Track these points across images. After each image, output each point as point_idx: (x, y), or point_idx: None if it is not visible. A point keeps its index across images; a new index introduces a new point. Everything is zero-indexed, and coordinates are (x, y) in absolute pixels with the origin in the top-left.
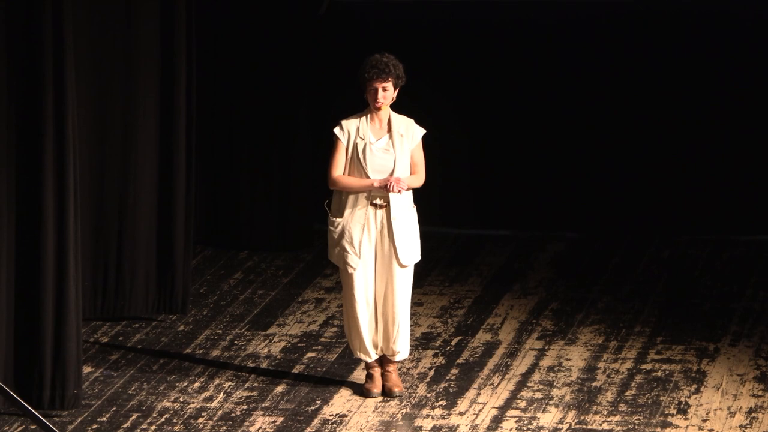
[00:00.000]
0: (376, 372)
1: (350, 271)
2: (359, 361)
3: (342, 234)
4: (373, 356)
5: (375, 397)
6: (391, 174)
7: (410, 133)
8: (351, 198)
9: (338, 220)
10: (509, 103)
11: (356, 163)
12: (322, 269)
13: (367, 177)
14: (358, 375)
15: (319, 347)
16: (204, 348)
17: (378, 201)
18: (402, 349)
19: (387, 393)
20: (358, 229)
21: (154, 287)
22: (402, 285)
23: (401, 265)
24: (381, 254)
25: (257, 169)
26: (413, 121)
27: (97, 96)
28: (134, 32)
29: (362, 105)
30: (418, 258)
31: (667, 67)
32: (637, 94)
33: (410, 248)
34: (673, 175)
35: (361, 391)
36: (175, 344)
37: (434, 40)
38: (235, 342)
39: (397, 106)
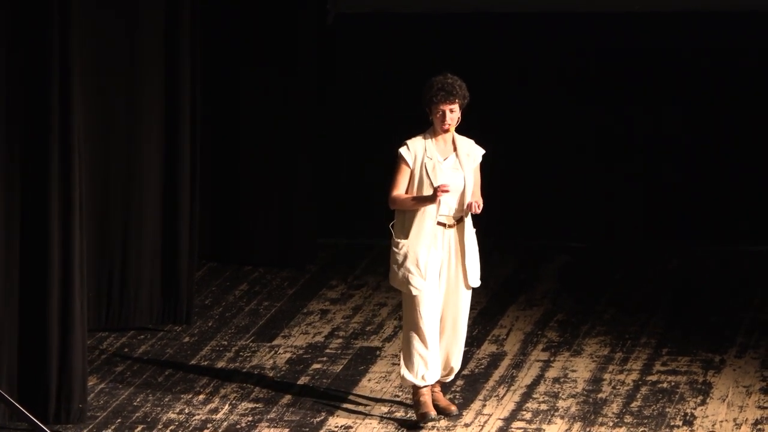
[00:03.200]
0: (427, 395)
1: (415, 292)
2: (364, 372)
3: (407, 255)
4: (433, 380)
5: (433, 419)
6: (462, 191)
7: (473, 152)
8: (417, 219)
9: (403, 241)
10: (514, 112)
11: (424, 183)
12: (328, 281)
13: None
14: (364, 386)
15: (325, 359)
16: (209, 359)
17: (445, 221)
18: (458, 368)
19: (446, 413)
20: (424, 251)
21: (159, 297)
22: (466, 307)
23: (469, 287)
24: (447, 276)
25: (261, 183)
26: (473, 141)
27: (101, 104)
28: (138, 46)
29: (364, 118)
30: (479, 281)
31: (674, 73)
32: (643, 101)
33: (477, 269)
34: (681, 185)
35: (415, 419)
36: (181, 355)
37: (438, 52)
38: (241, 353)
39: (404, 117)
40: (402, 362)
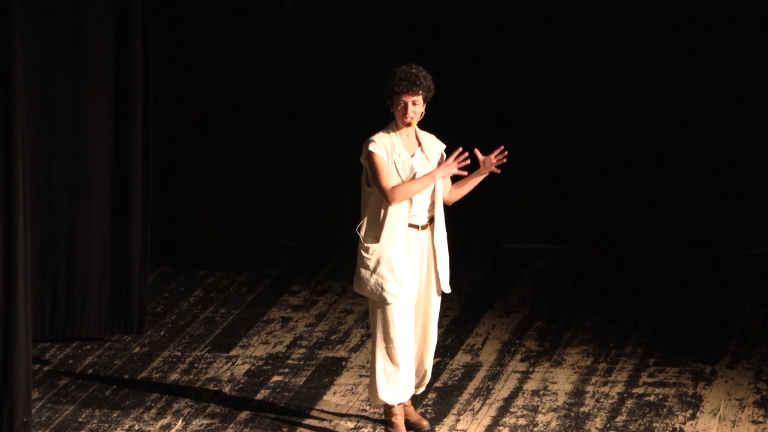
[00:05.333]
0: (400, 416)
1: (391, 300)
2: (329, 384)
3: (379, 261)
4: (408, 397)
5: None
6: (434, 191)
7: (437, 147)
8: (388, 221)
9: (373, 245)
10: (491, 111)
11: (395, 180)
12: (289, 286)
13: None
14: (328, 399)
15: (286, 370)
16: (161, 371)
17: (417, 222)
18: (429, 376)
19: (417, 428)
20: (398, 255)
21: (108, 305)
22: (437, 313)
23: (441, 293)
24: (419, 281)
25: (216, 181)
26: (434, 136)
27: (44, 102)
28: (85, 41)
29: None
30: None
31: (658, 76)
32: (629, 104)
33: (448, 274)
34: (667, 186)
35: None
36: (130, 367)
37: (404, 34)
38: (195, 365)
39: (370, 111)
40: (373, 379)
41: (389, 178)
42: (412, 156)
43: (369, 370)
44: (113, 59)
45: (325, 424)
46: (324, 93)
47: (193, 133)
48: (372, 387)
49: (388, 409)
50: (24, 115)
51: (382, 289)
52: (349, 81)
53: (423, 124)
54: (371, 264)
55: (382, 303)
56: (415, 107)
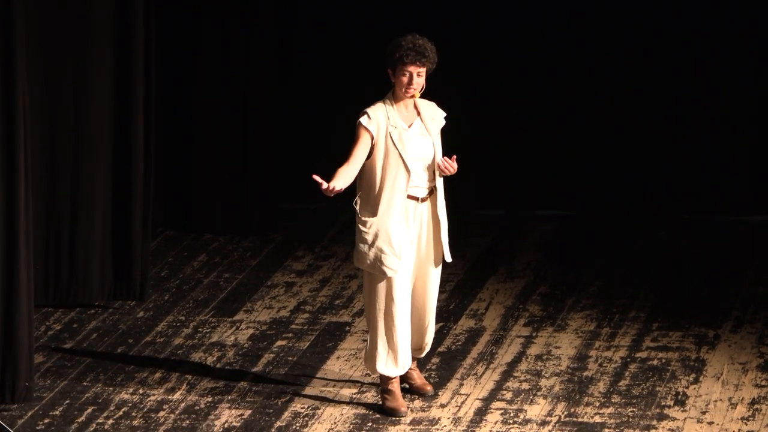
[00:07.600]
0: (397, 384)
1: (390, 273)
2: (333, 349)
3: (377, 234)
4: (405, 369)
5: (403, 415)
6: (433, 159)
7: (437, 116)
8: (386, 194)
9: (371, 219)
10: (494, 79)
11: (391, 153)
12: (293, 251)
13: (405, 166)
14: (332, 364)
15: (290, 335)
16: (165, 336)
17: (417, 194)
18: (431, 342)
19: (421, 393)
20: (396, 228)
21: (110, 271)
22: (437, 284)
23: (441, 263)
24: (418, 253)
25: (218, 144)
26: (435, 103)
27: (48, 67)
28: (87, 8)
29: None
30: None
31: (659, 41)
32: (630, 67)
33: (447, 242)
34: (670, 150)
35: (384, 411)
36: (134, 332)
37: (401, 15)
38: (199, 329)
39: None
40: (370, 350)
41: (353, 158)
42: (409, 127)
43: (367, 341)
44: (116, 28)
45: (328, 389)
46: (327, 57)
47: (195, 99)
48: (370, 360)
49: (384, 378)
50: (26, 83)
51: (381, 262)
52: (350, 50)
53: (423, 96)
54: (369, 238)
55: (381, 276)
56: (419, 79)
